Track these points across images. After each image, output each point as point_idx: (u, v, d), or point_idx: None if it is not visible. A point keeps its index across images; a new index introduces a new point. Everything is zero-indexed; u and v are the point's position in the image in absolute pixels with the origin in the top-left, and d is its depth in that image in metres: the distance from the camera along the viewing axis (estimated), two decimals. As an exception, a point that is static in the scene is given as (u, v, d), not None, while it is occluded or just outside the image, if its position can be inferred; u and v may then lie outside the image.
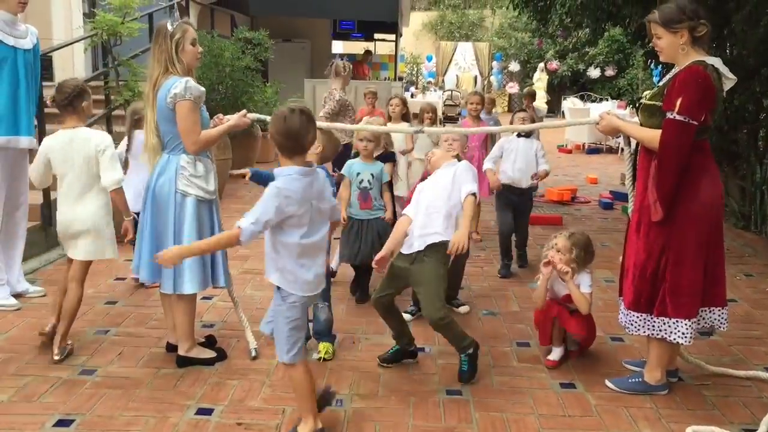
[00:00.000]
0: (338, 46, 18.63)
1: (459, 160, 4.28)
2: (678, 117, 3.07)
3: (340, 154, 4.59)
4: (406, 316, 4.17)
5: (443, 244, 3.49)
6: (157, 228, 3.53)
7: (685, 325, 3.24)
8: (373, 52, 17.18)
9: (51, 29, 9.13)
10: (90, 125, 6.67)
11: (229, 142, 7.84)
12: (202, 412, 3.18)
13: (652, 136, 3.20)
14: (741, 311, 4.67)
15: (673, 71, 3.26)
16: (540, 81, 23.60)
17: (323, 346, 3.83)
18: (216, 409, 3.21)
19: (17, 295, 4.56)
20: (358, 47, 17.50)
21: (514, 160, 5.38)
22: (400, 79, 19.44)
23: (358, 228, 4.67)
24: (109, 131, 6.78)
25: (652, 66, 9.65)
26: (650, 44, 7.66)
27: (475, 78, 24.04)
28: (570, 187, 9.16)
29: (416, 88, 23.45)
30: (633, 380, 3.49)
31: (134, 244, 3.70)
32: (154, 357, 3.77)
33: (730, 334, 3.56)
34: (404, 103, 6.29)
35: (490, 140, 6.60)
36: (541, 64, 23.66)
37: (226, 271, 3.73)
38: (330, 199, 3.03)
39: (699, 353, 3.82)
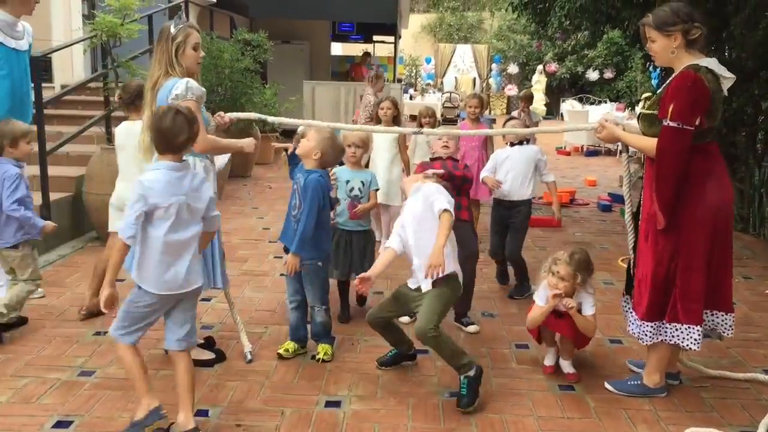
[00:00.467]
0: (337, 48, 18.64)
1: (455, 160, 4.30)
2: (671, 123, 3.06)
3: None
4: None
5: (450, 276, 3.39)
6: None
7: (697, 331, 3.22)
8: (371, 53, 17.19)
9: (50, 31, 9.14)
10: (88, 127, 6.73)
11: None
12: (201, 413, 3.18)
13: (651, 145, 3.20)
14: (740, 314, 4.66)
15: (672, 76, 3.24)
16: (539, 83, 23.63)
17: (321, 348, 3.82)
18: (215, 411, 3.21)
19: None
20: (357, 49, 17.53)
21: (507, 170, 4.91)
22: (399, 81, 19.46)
23: (345, 241, 4.39)
24: (108, 132, 6.78)
25: (651, 69, 9.67)
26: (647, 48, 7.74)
27: (474, 80, 24.08)
28: (568, 189, 9.17)
29: (415, 90, 23.46)
30: (632, 383, 3.50)
31: None
32: (153, 358, 3.76)
33: (728, 337, 3.54)
34: (395, 106, 6.03)
35: (489, 141, 6.61)
36: (540, 67, 23.71)
37: (224, 273, 3.73)
38: (206, 200, 2.94)
39: (697, 356, 3.82)
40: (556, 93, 24.03)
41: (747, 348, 4.05)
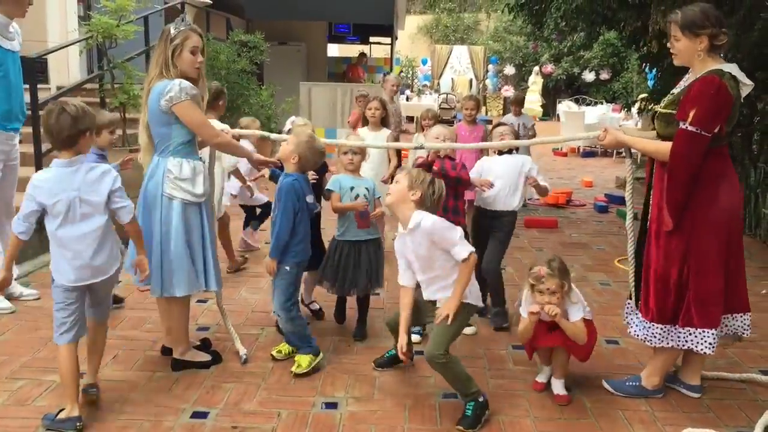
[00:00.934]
0: (334, 49, 18.63)
1: (452, 159, 4.25)
2: (690, 128, 3.02)
3: None
4: (414, 337, 4.03)
5: (466, 306, 3.24)
6: (145, 230, 3.53)
7: (712, 335, 3.20)
8: (367, 54, 17.18)
9: (46, 32, 9.11)
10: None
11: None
12: (197, 415, 3.17)
13: (659, 148, 3.18)
14: (736, 314, 4.67)
15: (688, 78, 3.22)
16: (535, 84, 23.69)
17: (296, 359, 3.68)
18: (211, 413, 3.20)
19: (10, 298, 4.54)
20: (353, 50, 17.51)
21: (493, 179, 4.33)
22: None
23: (350, 252, 4.04)
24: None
25: (647, 70, 9.69)
26: (644, 47, 7.75)
27: (471, 81, 24.07)
28: (565, 190, 9.18)
29: (412, 91, 23.47)
30: (630, 384, 3.49)
31: None
32: (149, 360, 3.76)
33: (746, 337, 3.52)
34: (384, 106, 5.78)
35: (486, 139, 6.61)
36: (536, 68, 23.75)
37: (218, 275, 3.71)
38: (103, 193, 3.02)
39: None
40: (552, 94, 24.08)
41: (743, 348, 4.05)
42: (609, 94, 22.72)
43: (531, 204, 8.65)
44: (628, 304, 3.57)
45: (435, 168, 3.99)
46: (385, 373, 3.69)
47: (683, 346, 3.27)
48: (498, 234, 4.38)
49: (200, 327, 4.23)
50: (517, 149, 4.60)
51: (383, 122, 5.78)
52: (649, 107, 8.34)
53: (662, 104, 3.31)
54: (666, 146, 3.14)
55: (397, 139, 7.63)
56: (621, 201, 8.75)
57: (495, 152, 4.52)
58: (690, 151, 3.07)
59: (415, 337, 4.03)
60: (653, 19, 6.14)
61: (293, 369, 3.61)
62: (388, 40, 16.33)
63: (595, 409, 3.33)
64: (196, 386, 3.46)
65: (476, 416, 3.15)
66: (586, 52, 22.45)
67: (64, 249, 3.00)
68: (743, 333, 3.37)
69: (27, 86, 5.62)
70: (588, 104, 19.88)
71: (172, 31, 3.47)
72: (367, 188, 4.14)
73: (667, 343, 3.30)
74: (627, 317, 3.56)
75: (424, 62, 25.84)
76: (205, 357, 3.72)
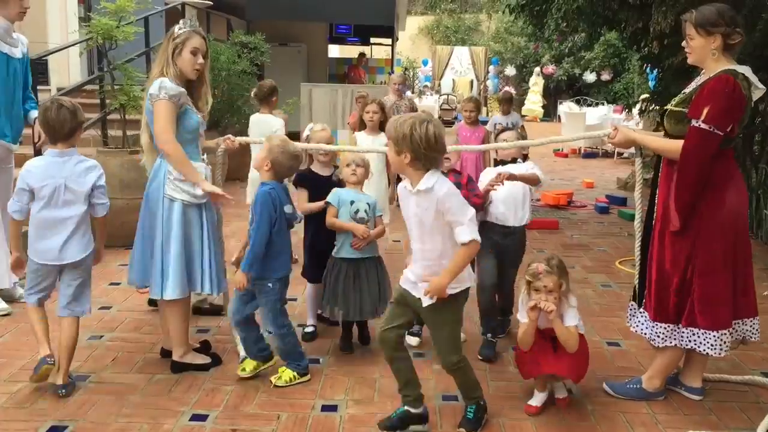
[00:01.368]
0: (334, 50, 18.63)
1: (458, 172, 3.99)
2: (703, 125, 3.01)
3: None
4: (413, 340, 3.97)
5: (450, 298, 2.91)
6: (147, 232, 3.53)
7: (714, 336, 3.18)
8: (367, 55, 17.16)
9: (46, 33, 9.12)
10: (84, 129, 6.70)
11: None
12: (196, 418, 3.16)
13: (670, 146, 3.16)
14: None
15: (702, 78, 3.20)
16: (536, 85, 23.71)
17: (279, 370, 3.56)
18: (210, 415, 3.19)
19: (11, 301, 4.54)
20: (354, 51, 17.50)
21: (501, 191, 3.93)
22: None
23: (348, 272, 3.83)
24: (104, 135, 6.78)
25: (648, 70, 9.67)
26: (645, 48, 7.73)
27: (471, 82, 24.08)
28: (566, 191, 9.17)
29: (412, 92, 23.47)
30: (631, 386, 3.47)
31: None
32: (148, 362, 3.75)
33: (755, 341, 3.50)
34: (383, 109, 5.43)
35: (488, 140, 6.61)
36: (537, 69, 23.75)
37: (218, 277, 3.68)
38: (87, 185, 3.32)
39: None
40: (553, 95, 24.09)
41: (746, 350, 4.02)
42: (610, 94, 22.71)
43: (532, 204, 8.63)
44: (632, 306, 3.55)
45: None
46: (385, 375, 3.66)
47: (686, 345, 3.25)
48: (510, 254, 4.05)
49: (200, 329, 4.22)
50: (524, 159, 4.13)
51: (381, 127, 5.34)
52: (651, 108, 8.32)
53: (673, 102, 3.29)
54: (677, 144, 3.12)
55: None
56: (622, 202, 8.75)
57: (499, 162, 4.13)
58: (702, 149, 3.05)
59: (413, 340, 3.99)
60: (654, 19, 6.11)
61: (273, 378, 3.52)
62: (388, 41, 16.31)
63: (596, 411, 3.31)
64: (195, 389, 3.45)
65: (477, 419, 3.12)
66: (587, 53, 22.46)
67: (41, 229, 3.31)
68: (751, 337, 3.35)
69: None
70: (589, 105, 19.87)
71: (176, 30, 3.49)
72: (368, 204, 3.90)
73: (671, 342, 3.29)
74: (630, 319, 3.54)
75: (425, 63, 25.84)
76: (204, 359, 3.71)
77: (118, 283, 5.02)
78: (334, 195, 3.91)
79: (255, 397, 3.38)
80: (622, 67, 22.71)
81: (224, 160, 4.10)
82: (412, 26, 26.40)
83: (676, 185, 3.12)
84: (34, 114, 4.58)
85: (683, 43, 3.26)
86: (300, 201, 3.93)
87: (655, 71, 8.99)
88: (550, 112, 23.62)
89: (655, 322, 3.31)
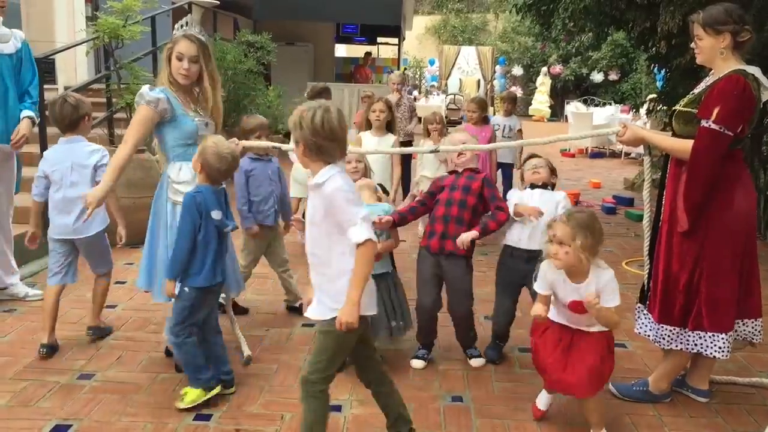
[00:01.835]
0: (341, 50, 18.64)
1: (475, 171, 3.82)
2: (714, 126, 2.98)
3: None
4: (417, 363, 3.75)
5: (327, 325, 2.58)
6: (154, 237, 3.54)
7: (722, 339, 3.16)
8: (373, 54, 17.16)
9: (54, 32, 9.14)
10: (90, 128, 6.72)
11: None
12: (200, 417, 3.16)
13: (681, 146, 3.13)
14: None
15: (711, 78, 3.18)
16: (543, 85, 23.65)
17: (184, 390, 3.28)
18: (214, 415, 3.19)
19: (15, 299, 4.57)
20: (360, 51, 17.51)
21: (522, 219, 3.70)
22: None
23: None
24: (111, 134, 6.79)
25: (656, 70, 9.63)
26: (653, 48, 7.69)
27: (478, 82, 24.04)
28: (573, 191, 9.13)
29: (419, 92, 23.45)
30: (637, 388, 3.45)
31: None
32: (153, 362, 3.75)
33: (758, 343, 3.48)
34: (390, 108, 5.26)
35: (495, 140, 6.60)
36: (545, 68, 23.69)
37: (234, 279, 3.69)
38: (89, 164, 3.80)
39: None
40: (560, 95, 24.02)
41: (753, 352, 3.99)
42: (618, 95, 22.64)
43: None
44: (638, 307, 3.52)
45: (474, 232, 3.55)
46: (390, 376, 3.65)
47: (692, 349, 3.22)
48: (532, 281, 3.48)
49: (205, 328, 4.21)
50: (553, 186, 3.91)
51: (388, 127, 5.28)
52: (658, 108, 8.28)
53: (682, 103, 3.26)
54: (687, 144, 3.09)
55: (410, 142, 7.58)
56: (629, 203, 8.71)
57: (528, 186, 3.85)
58: (712, 150, 3.02)
59: (418, 363, 3.75)
60: (662, 19, 6.08)
61: (176, 402, 3.25)
62: (395, 40, 16.33)
63: (602, 413, 3.29)
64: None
65: None
66: (594, 53, 22.39)
67: (55, 209, 3.79)
68: (754, 338, 3.33)
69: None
70: (596, 105, 19.80)
71: (173, 35, 3.54)
72: (379, 215, 3.57)
73: (676, 346, 3.26)
74: (638, 321, 3.52)
75: (432, 63, 25.82)
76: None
77: (123, 282, 5.02)
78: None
79: (259, 397, 3.37)
80: (630, 67, 22.64)
81: None
82: (419, 26, 26.40)
83: (686, 185, 3.10)
84: (24, 113, 4.51)
85: (691, 44, 3.24)
86: None
87: (662, 71, 8.95)
88: (557, 112, 23.56)
89: (660, 324, 3.28)
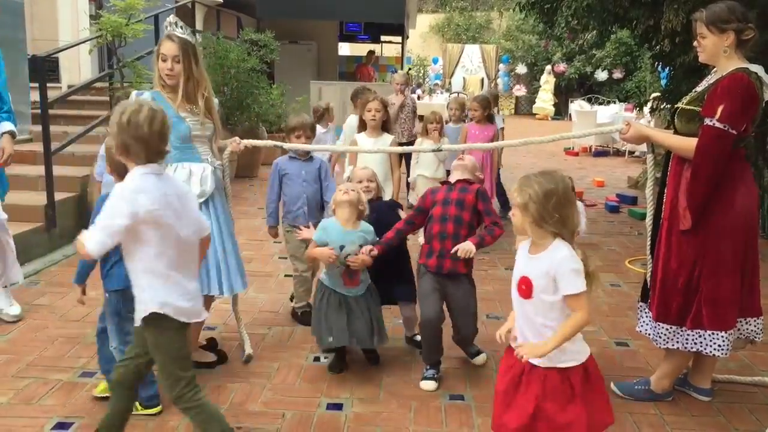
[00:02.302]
0: (345, 48, 18.63)
1: (471, 184, 3.68)
2: (718, 124, 2.97)
3: None
4: (429, 385, 3.52)
5: (153, 317, 2.50)
6: None
7: (722, 337, 3.14)
8: (376, 52, 17.13)
9: (57, 31, 9.18)
10: (94, 127, 6.74)
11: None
12: (201, 415, 3.16)
13: (685, 144, 3.12)
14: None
15: (714, 76, 3.17)
16: (547, 83, 23.59)
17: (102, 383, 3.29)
18: (216, 413, 3.18)
19: None
20: (364, 49, 17.49)
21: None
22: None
23: (340, 303, 3.53)
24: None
25: (660, 69, 9.59)
26: (657, 46, 7.67)
27: (482, 80, 24.02)
28: (576, 189, 9.09)
29: (423, 90, 23.43)
30: (639, 387, 3.44)
31: None
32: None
33: (758, 341, 3.46)
34: (385, 107, 4.97)
35: (497, 139, 6.58)
36: (549, 67, 23.64)
37: (219, 278, 3.63)
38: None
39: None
40: (564, 93, 23.96)
41: (755, 351, 3.99)
42: (622, 93, 22.56)
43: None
44: (640, 306, 3.52)
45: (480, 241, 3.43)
46: (390, 374, 3.66)
47: (691, 348, 3.21)
48: None
49: (207, 326, 4.21)
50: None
51: (384, 127, 5.01)
52: (662, 106, 8.25)
53: (685, 101, 3.25)
54: (691, 142, 3.07)
55: (412, 142, 7.55)
56: (632, 201, 8.69)
57: None
58: (716, 149, 3.01)
59: (429, 385, 3.52)
60: (666, 17, 6.05)
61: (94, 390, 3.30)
62: (399, 39, 16.30)
63: (603, 412, 3.28)
64: (200, 386, 3.44)
65: None
66: (598, 51, 22.31)
67: None
68: (755, 337, 3.32)
69: (35, 85, 5.60)
70: (601, 103, 19.75)
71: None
72: (360, 246, 3.48)
73: (673, 345, 3.25)
74: (639, 319, 3.51)
75: (435, 61, 25.80)
76: (211, 357, 3.72)
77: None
78: (323, 230, 3.54)
79: (260, 395, 3.38)
80: (634, 66, 22.56)
81: (230, 161, 4.06)
82: (422, 24, 26.34)
83: (690, 184, 3.09)
84: (2, 127, 4.15)
85: (694, 43, 3.22)
86: (309, 249, 3.59)
87: (667, 69, 8.92)
88: (561, 111, 23.51)
89: (657, 323, 3.27)
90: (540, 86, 24.01)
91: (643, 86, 20.79)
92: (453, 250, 3.40)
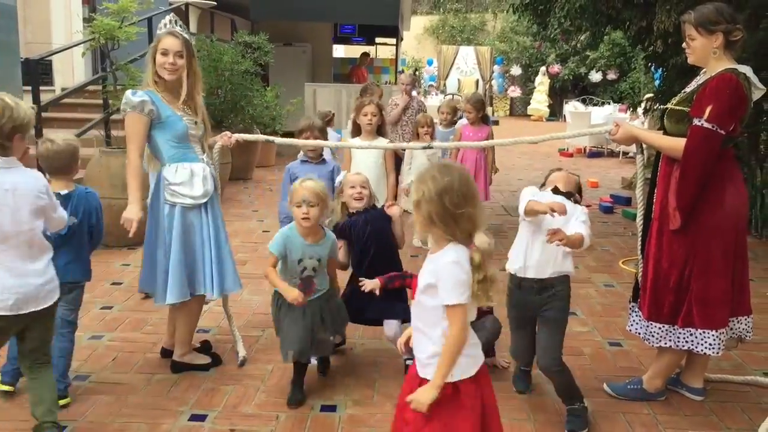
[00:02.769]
0: (339, 50, 18.62)
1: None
2: (706, 124, 2.99)
3: None
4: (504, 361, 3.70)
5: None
6: (152, 240, 3.54)
7: (713, 336, 3.16)
8: (370, 54, 17.13)
9: (51, 34, 9.16)
10: (87, 130, 6.74)
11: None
12: (195, 418, 3.16)
13: (673, 144, 3.13)
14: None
15: (703, 77, 3.19)
16: (542, 85, 23.62)
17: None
18: (209, 415, 3.19)
19: None
20: (359, 51, 17.49)
21: (530, 241, 3.15)
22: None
23: (296, 310, 3.33)
24: (107, 135, 6.79)
25: (654, 69, 9.63)
26: (650, 47, 7.69)
27: (477, 82, 24.04)
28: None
29: (417, 92, 23.45)
30: (632, 387, 3.45)
31: None
32: (148, 362, 3.75)
33: (748, 340, 3.48)
34: (381, 111, 4.73)
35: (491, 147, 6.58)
36: (543, 68, 23.67)
37: (219, 278, 3.65)
38: None
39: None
40: (558, 94, 24.00)
41: (747, 350, 4.00)
42: (616, 94, 22.61)
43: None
44: (631, 306, 3.53)
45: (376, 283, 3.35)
46: (384, 376, 3.66)
47: (683, 346, 3.23)
48: (548, 315, 3.15)
49: (201, 329, 4.20)
50: (577, 201, 3.26)
51: (379, 131, 4.78)
52: (656, 107, 8.28)
53: (674, 101, 3.27)
54: (680, 142, 3.09)
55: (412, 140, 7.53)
56: (626, 202, 8.71)
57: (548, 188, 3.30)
58: (705, 149, 3.02)
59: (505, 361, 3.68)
60: (658, 18, 6.09)
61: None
62: (393, 41, 16.32)
63: (597, 412, 3.29)
64: (194, 388, 3.45)
65: None
66: (592, 52, 22.36)
67: None
68: (746, 336, 3.33)
69: (28, 87, 5.59)
70: (595, 104, 19.79)
71: (156, 34, 3.53)
72: (319, 259, 3.35)
73: (665, 343, 3.26)
74: (630, 318, 3.53)
75: (430, 63, 25.82)
76: (205, 359, 3.71)
77: (119, 283, 5.03)
78: (283, 239, 3.32)
79: (254, 397, 3.38)
80: (628, 66, 22.60)
81: (220, 157, 3.93)
82: (417, 26, 26.36)
83: (678, 184, 3.10)
84: None
85: (684, 45, 3.24)
86: (269, 267, 3.35)
87: (660, 70, 8.95)
88: (555, 112, 23.54)
89: (649, 322, 3.29)
90: (535, 87, 24.05)
91: (637, 87, 20.84)
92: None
